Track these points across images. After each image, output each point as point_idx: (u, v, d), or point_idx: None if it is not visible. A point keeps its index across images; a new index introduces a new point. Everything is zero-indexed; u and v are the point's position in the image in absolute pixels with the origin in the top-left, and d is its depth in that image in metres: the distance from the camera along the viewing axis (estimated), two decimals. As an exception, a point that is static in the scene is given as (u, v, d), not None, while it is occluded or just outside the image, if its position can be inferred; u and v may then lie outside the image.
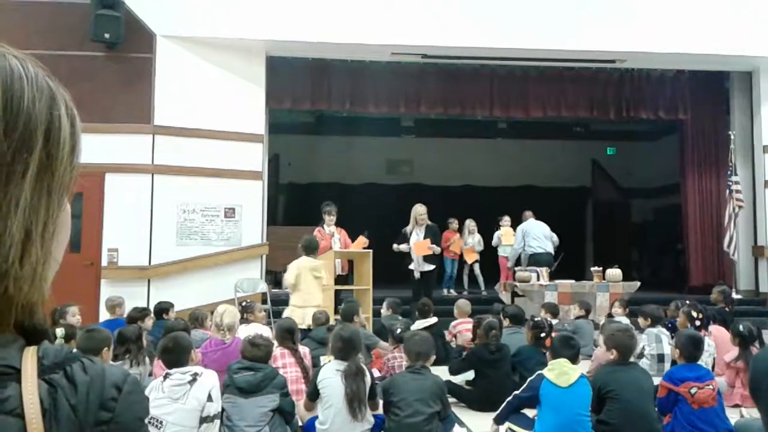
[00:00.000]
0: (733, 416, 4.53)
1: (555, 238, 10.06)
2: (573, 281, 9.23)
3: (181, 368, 3.81)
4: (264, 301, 9.39)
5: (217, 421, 3.82)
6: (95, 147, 8.33)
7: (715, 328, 6.56)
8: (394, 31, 9.71)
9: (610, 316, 8.03)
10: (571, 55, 10.35)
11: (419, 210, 9.16)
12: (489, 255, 11.59)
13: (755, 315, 9.28)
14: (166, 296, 7.84)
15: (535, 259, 9.64)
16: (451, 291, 11.11)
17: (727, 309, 8.02)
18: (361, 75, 10.96)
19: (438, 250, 9.19)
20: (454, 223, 11.35)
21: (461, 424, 4.88)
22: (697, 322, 6.26)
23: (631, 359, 4.57)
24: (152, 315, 6.73)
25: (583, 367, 4.71)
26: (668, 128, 13.31)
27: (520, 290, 9.01)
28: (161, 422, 3.59)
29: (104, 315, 7.57)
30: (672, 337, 6.05)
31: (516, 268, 9.75)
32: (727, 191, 10.84)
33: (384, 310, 7.74)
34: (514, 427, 4.38)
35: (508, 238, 11.08)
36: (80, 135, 0.79)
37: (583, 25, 9.90)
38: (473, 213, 11.87)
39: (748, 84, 11.41)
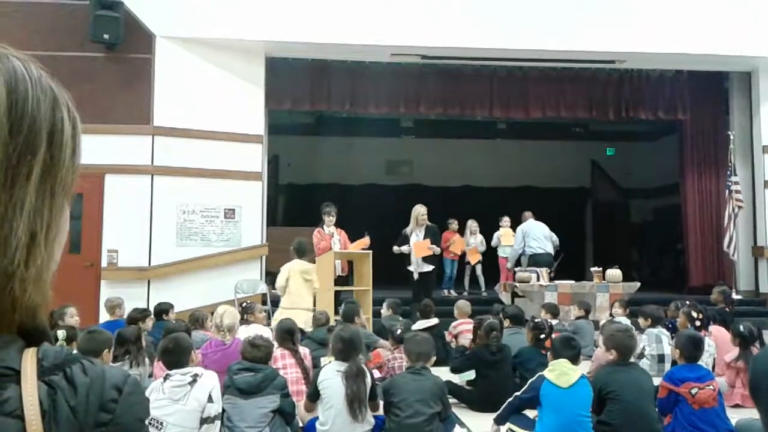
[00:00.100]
0: (733, 416, 4.53)
1: (555, 238, 10.06)
2: (573, 282, 9.23)
3: (182, 369, 3.81)
4: (264, 302, 9.39)
5: (218, 422, 3.81)
6: (95, 148, 8.33)
7: (715, 329, 6.55)
8: (394, 32, 9.71)
9: (610, 316, 8.03)
10: (571, 55, 10.36)
11: (420, 210, 9.16)
12: (488, 255, 11.60)
13: (755, 315, 9.28)
14: (165, 297, 7.83)
15: (535, 260, 9.65)
16: (451, 292, 11.11)
17: (727, 309, 8.02)
18: (360, 76, 10.96)
19: (438, 250, 9.19)
20: (453, 224, 11.35)
21: (462, 424, 4.88)
22: (697, 323, 6.26)
23: (632, 359, 4.57)
24: (152, 316, 6.72)
25: (584, 367, 4.71)
26: (668, 128, 13.31)
27: (520, 291, 9.01)
28: (161, 423, 3.59)
29: (104, 316, 7.57)
30: (672, 338, 6.06)
31: (516, 269, 9.75)
32: (727, 191, 10.84)
33: (384, 311, 7.74)
34: (515, 428, 4.38)
35: (507, 239, 11.08)
36: (81, 137, 0.79)
37: (582, 26, 9.91)
38: (473, 214, 11.87)
39: (748, 84, 11.42)
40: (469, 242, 11.54)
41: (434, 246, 8.99)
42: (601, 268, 9.31)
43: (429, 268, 9.07)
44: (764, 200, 11.00)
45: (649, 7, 9.95)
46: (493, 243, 11.48)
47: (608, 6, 9.96)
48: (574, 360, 4.25)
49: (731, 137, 11.01)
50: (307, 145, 14.86)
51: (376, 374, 5.09)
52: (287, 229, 11.04)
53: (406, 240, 9.11)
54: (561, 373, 4.12)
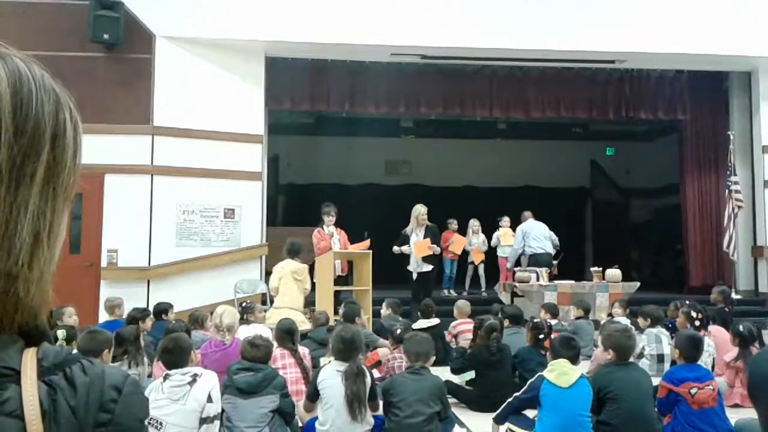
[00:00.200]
0: (733, 416, 4.53)
1: (554, 238, 10.06)
2: (573, 282, 9.23)
3: (181, 369, 3.81)
4: (264, 302, 9.38)
5: (217, 422, 3.81)
6: (95, 148, 8.33)
7: (715, 329, 6.56)
8: (394, 32, 9.71)
9: (610, 316, 8.03)
10: (571, 55, 10.36)
11: (420, 210, 9.16)
12: (488, 255, 11.61)
13: (755, 315, 9.27)
14: (165, 297, 7.84)
15: (535, 260, 9.65)
16: (451, 292, 11.11)
17: (726, 309, 8.03)
18: (360, 75, 10.96)
19: (438, 250, 9.20)
20: (453, 224, 11.35)
21: (461, 424, 4.88)
22: (697, 323, 6.26)
23: (631, 359, 4.56)
24: (152, 316, 6.73)
25: (583, 367, 4.71)
26: (667, 128, 13.32)
27: (520, 291, 9.01)
28: (161, 423, 3.59)
29: (103, 316, 7.57)
30: (672, 338, 6.06)
31: (515, 269, 9.76)
32: (727, 191, 10.84)
33: (384, 311, 7.75)
34: (515, 428, 4.38)
35: (507, 239, 11.09)
36: (82, 137, 0.79)
37: (582, 26, 9.91)
38: (472, 214, 11.88)
39: (747, 84, 11.42)
40: (472, 242, 11.55)
41: (434, 246, 8.99)
42: (600, 268, 9.31)
43: (428, 267, 9.07)
44: (764, 200, 11.01)
45: (649, 7, 9.95)
46: (493, 243, 11.49)
47: (608, 6, 9.96)
48: (574, 360, 4.25)
49: (731, 137, 11.01)
50: (307, 145, 14.85)
51: (376, 374, 5.09)
52: (287, 229, 11.05)
53: (406, 240, 9.12)
54: (561, 373, 4.12)
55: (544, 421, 4.08)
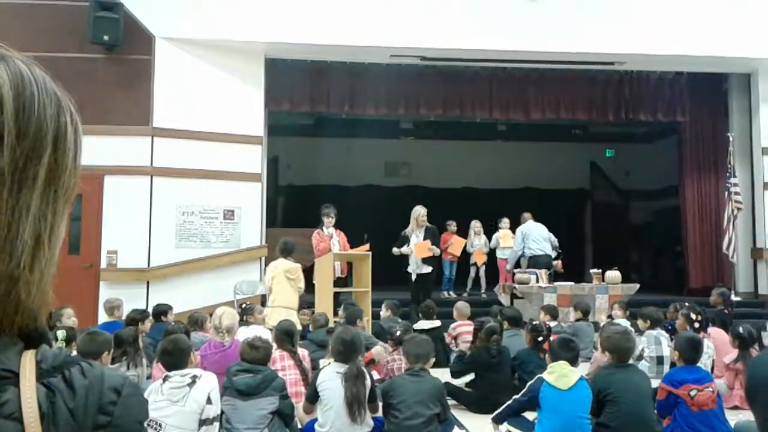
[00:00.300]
0: (732, 418, 4.53)
1: (554, 239, 10.06)
2: (572, 283, 9.22)
3: (181, 371, 3.80)
4: (263, 303, 9.35)
5: (217, 424, 3.81)
6: (94, 149, 8.33)
7: (714, 330, 6.55)
8: (393, 33, 9.71)
9: (610, 318, 8.03)
10: (570, 57, 10.36)
11: (420, 211, 9.16)
12: (488, 257, 11.60)
13: (754, 317, 9.27)
14: (165, 298, 7.83)
15: (535, 261, 9.65)
16: (451, 293, 11.09)
17: (726, 311, 8.02)
18: (360, 77, 10.96)
19: (438, 251, 9.20)
20: (452, 225, 11.33)
21: (460, 426, 4.88)
22: (696, 324, 6.25)
23: (631, 361, 4.56)
24: (151, 317, 6.72)
25: (582, 369, 4.71)
26: (667, 130, 13.32)
27: (519, 292, 9.01)
28: (160, 425, 3.58)
29: (103, 317, 7.57)
30: (671, 339, 6.06)
31: (515, 270, 9.75)
32: (726, 193, 10.84)
33: (383, 312, 7.75)
34: (514, 430, 4.38)
35: (506, 241, 11.09)
36: (82, 140, 0.79)
37: (581, 27, 9.91)
38: (472, 215, 11.88)
39: (747, 86, 11.43)
40: (474, 243, 11.55)
41: (434, 247, 8.99)
42: (600, 270, 9.31)
43: (428, 269, 9.06)
44: (763, 202, 11.01)
45: (648, 8, 9.95)
46: (492, 244, 11.49)
47: (608, 8, 9.96)
48: (573, 362, 4.25)
49: (730, 139, 11.01)
50: (307, 147, 14.85)
51: (375, 376, 5.09)
52: (287, 231, 11.02)
53: (406, 241, 9.10)
54: (560, 375, 4.12)
55: (544, 423, 4.08)
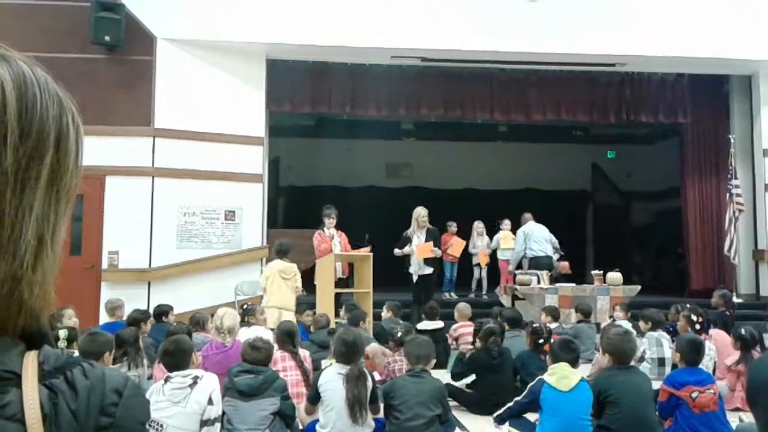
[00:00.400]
0: (734, 420, 4.52)
1: (555, 241, 10.06)
2: (573, 285, 9.22)
3: (182, 371, 3.80)
4: (264, 304, 9.37)
5: (218, 425, 3.81)
6: (96, 149, 8.33)
7: (716, 332, 6.54)
8: (394, 34, 9.72)
9: (611, 319, 8.02)
10: (571, 58, 10.36)
11: (421, 212, 9.15)
12: (489, 258, 11.59)
13: (756, 319, 9.26)
14: (166, 299, 7.84)
15: (536, 263, 9.64)
16: (452, 294, 11.08)
17: (727, 313, 8.01)
18: (361, 78, 10.97)
19: (439, 253, 9.18)
20: (452, 226, 11.32)
21: (461, 427, 4.87)
22: (698, 326, 6.25)
23: (632, 363, 4.56)
24: (152, 318, 6.72)
25: (583, 371, 4.70)
26: (668, 132, 13.32)
27: (521, 293, 9.00)
28: (162, 425, 3.58)
29: (104, 317, 7.57)
30: (673, 341, 6.05)
31: (516, 272, 9.75)
32: (728, 195, 10.84)
33: (384, 313, 7.74)
34: None
35: (507, 242, 11.08)
36: (83, 140, 0.79)
37: (582, 29, 9.91)
38: (473, 216, 11.88)
39: (748, 87, 11.42)
40: (476, 244, 11.55)
41: (436, 249, 8.98)
42: (601, 271, 9.30)
43: (429, 270, 9.05)
44: (765, 204, 11.00)
45: (649, 10, 9.95)
46: (493, 246, 11.48)
47: (609, 9, 9.96)
48: (573, 363, 4.25)
49: (732, 141, 11.01)
50: (308, 147, 14.86)
51: (377, 377, 5.09)
52: (288, 231, 11.02)
53: (408, 242, 9.08)
54: (561, 376, 4.12)
55: (545, 425, 4.07)
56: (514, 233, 10.56)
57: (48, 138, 0.73)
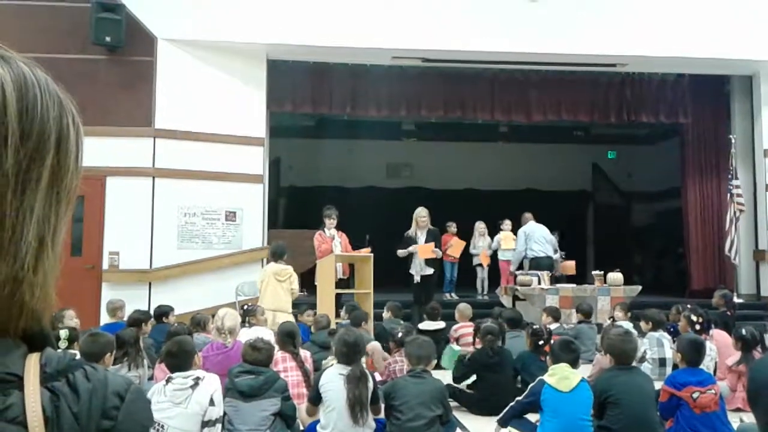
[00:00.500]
0: (735, 420, 4.52)
1: (554, 241, 10.06)
2: (574, 285, 9.22)
3: (183, 372, 3.80)
4: (265, 305, 9.37)
5: (219, 425, 3.81)
6: (96, 150, 8.34)
7: (717, 332, 6.54)
8: (395, 35, 9.72)
9: (612, 319, 8.02)
10: (572, 58, 10.35)
11: (421, 213, 9.14)
12: (490, 258, 11.60)
13: (756, 319, 9.27)
14: (167, 299, 7.84)
15: (537, 263, 9.64)
16: (453, 295, 11.07)
17: (728, 313, 8.01)
18: (361, 78, 10.96)
19: (440, 253, 9.18)
20: (452, 227, 11.32)
21: (462, 427, 4.87)
22: (698, 326, 6.25)
23: (633, 363, 4.55)
24: (152, 319, 6.73)
25: (584, 371, 4.70)
26: (669, 132, 13.32)
27: (521, 294, 9.00)
28: (163, 426, 3.58)
29: (105, 318, 7.57)
30: (673, 341, 6.05)
31: (517, 272, 9.75)
32: (728, 195, 10.83)
33: (385, 314, 7.74)
34: (516, 432, 4.37)
35: (507, 242, 11.08)
36: (83, 141, 0.79)
37: (583, 29, 9.91)
38: (474, 217, 11.87)
39: (749, 88, 11.42)
40: (477, 245, 11.55)
41: (437, 249, 8.98)
42: (602, 272, 9.30)
43: (430, 271, 9.04)
44: (765, 204, 11.00)
45: (650, 10, 9.95)
46: (494, 246, 11.48)
47: (609, 9, 9.96)
48: (574, 363, 4.25)
49: (732, 141, 11.01)
50: (309, 148, 14.86)
51: (378, 378, 5.09)
52: (288, 232, 11.03)
53: (412, 241, 9.05)
54: (561, 377, 4.11)
55: (546, 426, 4.07)
56: (515, 234, 10.55)
57: (49, 139, 0.73)
